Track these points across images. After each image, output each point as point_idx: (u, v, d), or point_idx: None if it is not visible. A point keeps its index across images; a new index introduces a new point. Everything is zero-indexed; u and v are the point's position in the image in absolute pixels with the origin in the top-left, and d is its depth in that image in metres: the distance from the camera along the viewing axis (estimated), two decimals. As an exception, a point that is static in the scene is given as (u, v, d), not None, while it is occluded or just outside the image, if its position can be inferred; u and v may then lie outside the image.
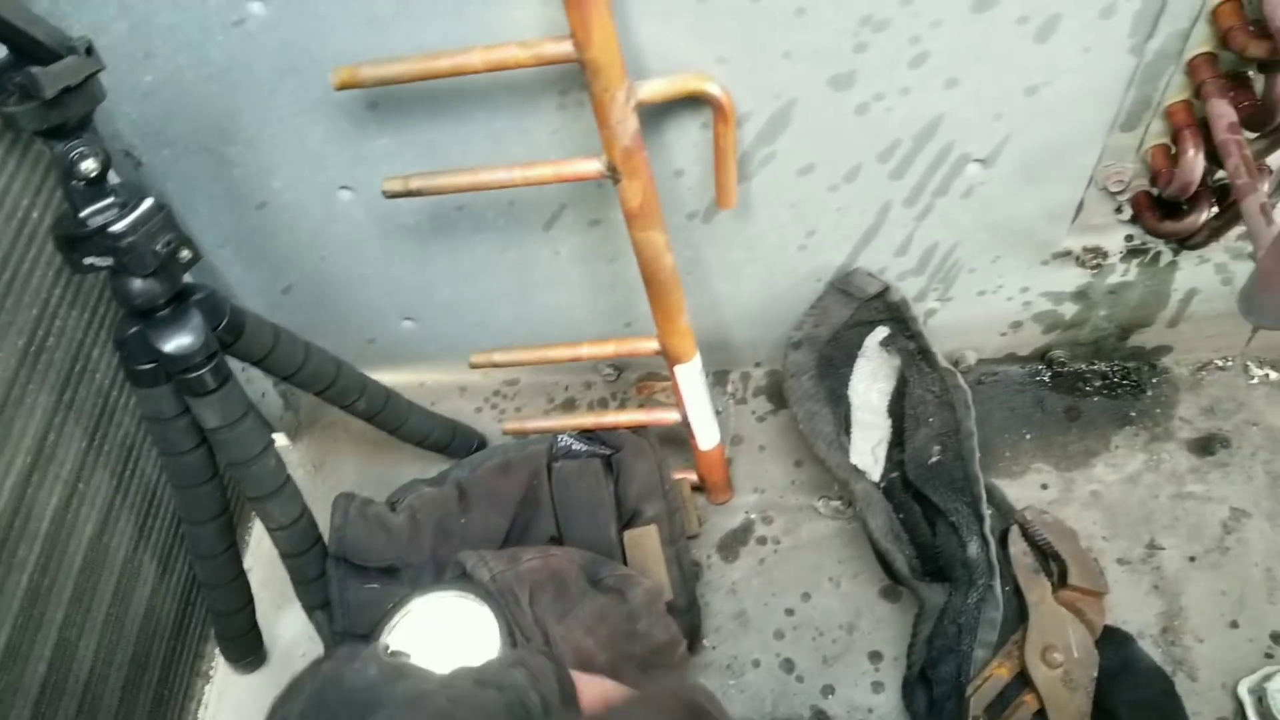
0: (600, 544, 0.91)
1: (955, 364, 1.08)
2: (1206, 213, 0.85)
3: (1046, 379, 1.08)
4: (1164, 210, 0.87)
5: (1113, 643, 0.89)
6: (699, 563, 1.01)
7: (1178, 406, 1.04)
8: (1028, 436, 1.04)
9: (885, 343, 0.98)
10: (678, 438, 1.01)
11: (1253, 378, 1.04)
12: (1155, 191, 0.86)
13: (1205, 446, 1.01)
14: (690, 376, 0.92)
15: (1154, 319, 1.00)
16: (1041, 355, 1.07)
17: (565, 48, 0.71)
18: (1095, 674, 0.87)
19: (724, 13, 0.74)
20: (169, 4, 0.76)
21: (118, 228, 0.69)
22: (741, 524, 1.03)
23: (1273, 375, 1.04)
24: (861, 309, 0.97)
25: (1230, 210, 0.84)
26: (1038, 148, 0.83)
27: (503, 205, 0.92)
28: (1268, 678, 0.88)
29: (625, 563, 0.91)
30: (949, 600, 0.89)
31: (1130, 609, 0.93)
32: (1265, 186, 0.84)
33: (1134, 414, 1.04)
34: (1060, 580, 0.91)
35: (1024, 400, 1.07)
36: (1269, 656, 0.90)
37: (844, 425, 0.98)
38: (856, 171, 0.86)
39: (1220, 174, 0.82)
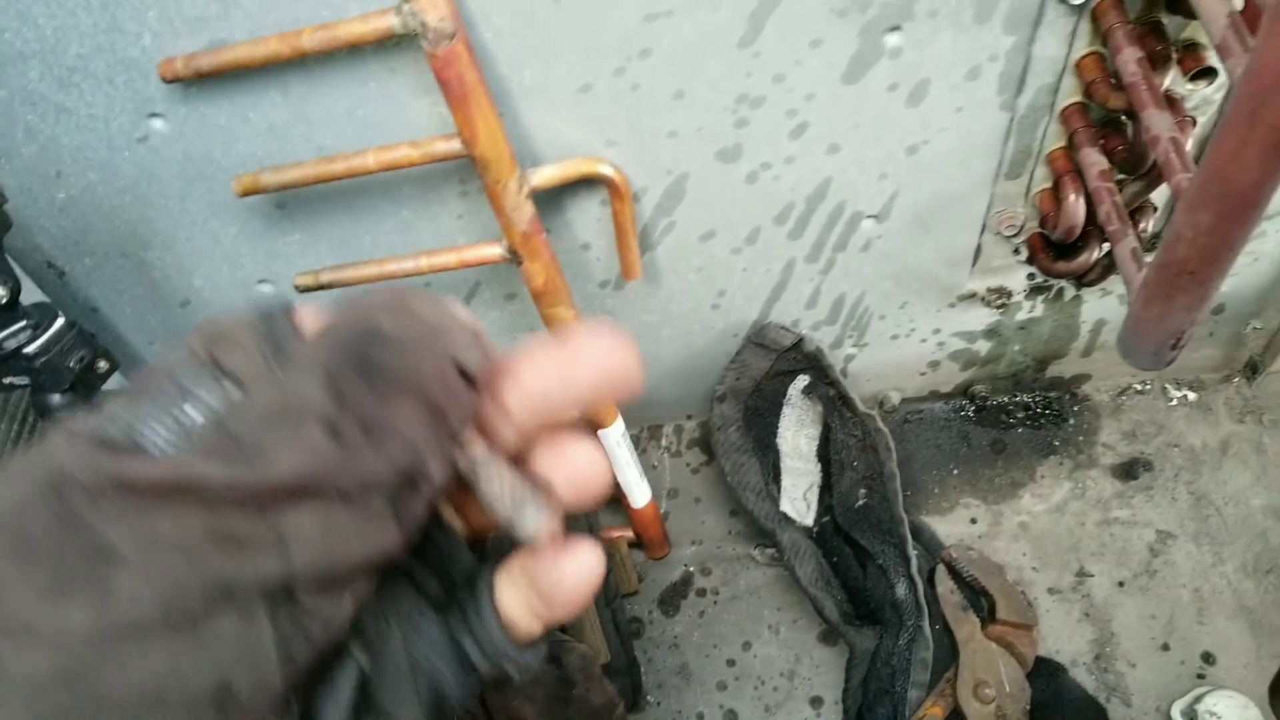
0: (537, 611, 0.93)
1: (881, 404, 1.10)
2: (1098, 251, 0.87)
3: (970, 414, 1.09)
4: (1057, 251, 0.89)
5: (1043, 674, 0.91)
6: (640, 619, 1.03)
7: (1100, 433, 1.06)
8: (955, 472, 1.06)
9: (808, 390, 1.00)
10: (614, 496, 1.03)
11: (1172, 400, 1.06)
12: (1048, 233, 0.89)
13: (1129, 471, 1.02)
14: (613, 441, 0.94)
15: (1067, 350, 1.02)
16: (964, 391, 1.09)
17: (454, 145, 0.74)
18: (1028, 707, 0.89)
19: (606, 100, 0.77)
20: (74, 126, 0.79)
21: (31, 349, 0.72)
22: (680, 577, 1.05)
23: (1191, 396, 1.06)
24: (780, 360, 0.99)
25: (1118, 249, 0.86)
26: (927, 200, 0.86)
27: (419, 286, 0.94)
28: (1199, 699, 0.89)
29: (561, 629, 0.93)
30: (880, 643, 0.91)
31: (1062, 638, 0.95)
32: (1147, 225, 0.87)
33: (1058, 443, 1.06)
34: (989, 615, 0.93)
35: (949, 436, 1.09)
36: (1201, 677, 0.91)
37: (773, 474, 1.00)
38: (756, 234, 0.88)
39: (1106, 214, 0.84)
